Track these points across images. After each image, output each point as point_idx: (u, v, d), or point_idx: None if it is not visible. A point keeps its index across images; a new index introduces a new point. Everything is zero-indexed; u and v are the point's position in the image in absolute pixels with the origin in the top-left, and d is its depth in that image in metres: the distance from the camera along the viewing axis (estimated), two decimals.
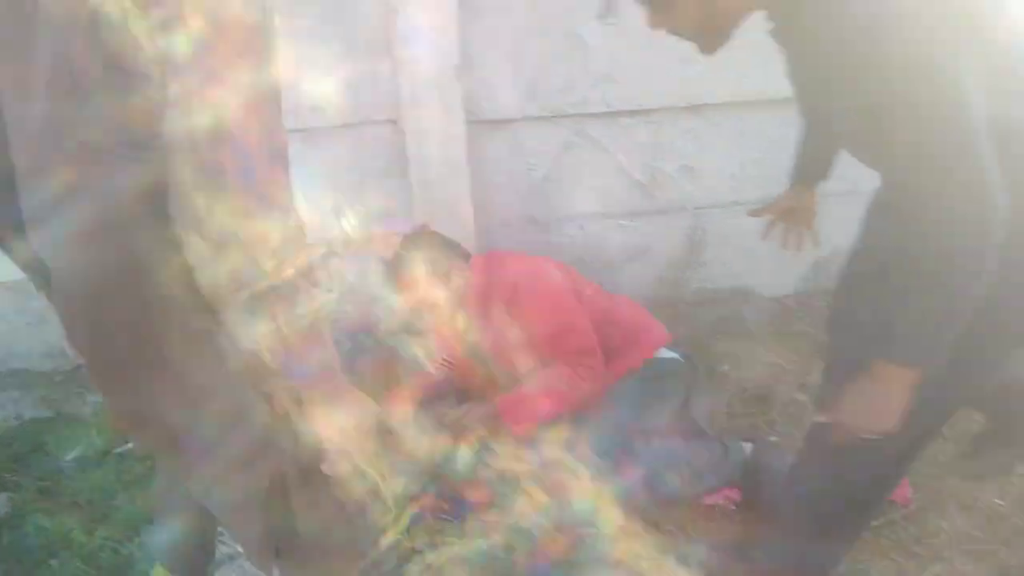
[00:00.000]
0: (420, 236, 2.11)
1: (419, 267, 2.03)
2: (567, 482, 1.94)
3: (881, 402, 1.22)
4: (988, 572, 1.84)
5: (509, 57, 2.15)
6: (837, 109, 1.19)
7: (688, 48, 1.25)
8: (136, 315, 0.91)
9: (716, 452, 2.03)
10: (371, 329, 2.26)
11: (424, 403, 2.11)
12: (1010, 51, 1.13)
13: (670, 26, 1.24)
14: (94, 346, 0.97)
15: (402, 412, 2.04)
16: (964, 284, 1.10)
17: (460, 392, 2.22)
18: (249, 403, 0.90)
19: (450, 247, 2.10)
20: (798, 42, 1.21)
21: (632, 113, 2.37)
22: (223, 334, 0.83)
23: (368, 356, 2.28)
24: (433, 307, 2.02)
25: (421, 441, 2.00)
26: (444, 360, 2.13)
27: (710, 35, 1.25)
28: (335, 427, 0.92)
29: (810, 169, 1.70)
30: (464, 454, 2.02)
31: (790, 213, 1.76)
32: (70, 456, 2.27)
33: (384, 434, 1.04)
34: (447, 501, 2.00)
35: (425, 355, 2.10)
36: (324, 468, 0.94)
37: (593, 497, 1.92)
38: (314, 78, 2.26)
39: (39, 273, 0.97)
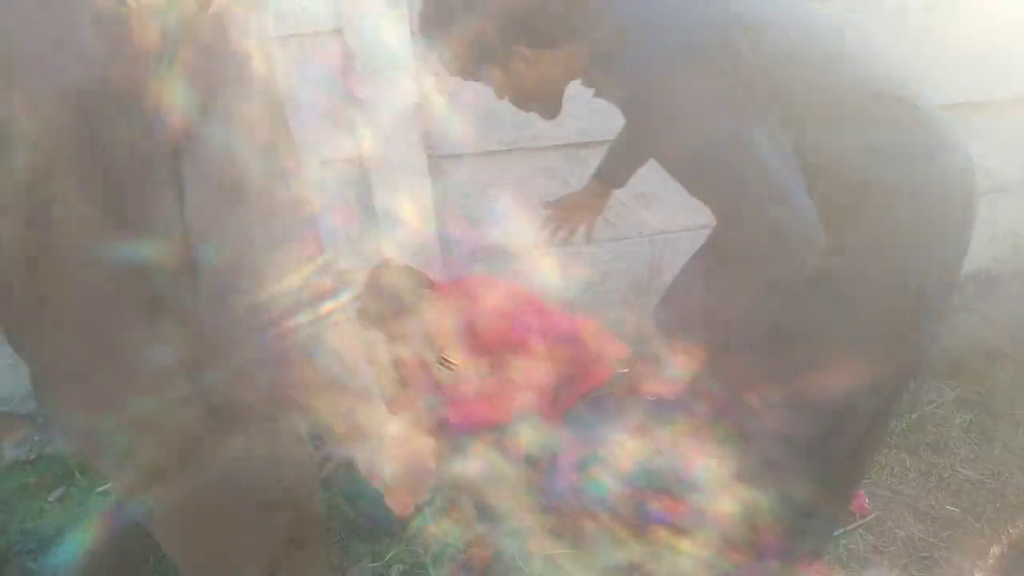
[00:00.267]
0: (387, 267, 2.18)
1: (391, 298, 2.09)
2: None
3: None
4: None
5: (467, 94, 2.23)
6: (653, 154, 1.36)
7: None
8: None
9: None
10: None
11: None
12: (812, 90, 1.25)
13: (511, 97, 1.42)
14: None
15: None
16: (769, 287, 1.26)
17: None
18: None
19: (416, 276, 2.16)
20: (612, 99, 1.37)
21: (587, 144, 2.44)
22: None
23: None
24: (408, 334, 2.08)
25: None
26: (445, 361, 2.19)
27: (543, 104, 1.44)
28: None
29: (615, 175, 1.87)
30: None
31: (579, 209, 1.88)
32: (52, 497, 2.31)
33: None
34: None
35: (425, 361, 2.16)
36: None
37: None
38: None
39: None
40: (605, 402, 2.16)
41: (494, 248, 2.63)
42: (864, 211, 1.29)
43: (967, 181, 1.35)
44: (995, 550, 1.96)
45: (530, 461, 2.08)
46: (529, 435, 2.05)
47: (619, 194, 2.56)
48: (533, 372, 2.07)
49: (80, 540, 1.92)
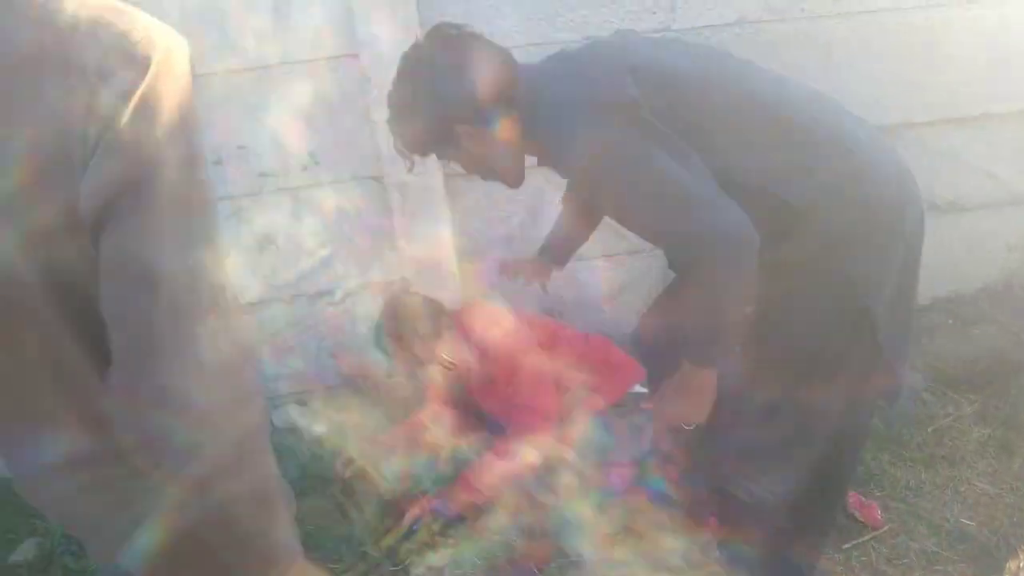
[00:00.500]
0: (403, 294, 2.24)
1: (406, 323, 2.14)
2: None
3: (694, 395, 1.49)
4: None
5: None
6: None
7: None
8: None
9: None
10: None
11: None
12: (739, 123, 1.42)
13: (473, 171, 1.63)
14: None
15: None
16: (731, 303, 1.36)
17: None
18: None
19: (433, 304, 2.23)
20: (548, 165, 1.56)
21: None
22: None
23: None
24: (424, 359, 2.14)
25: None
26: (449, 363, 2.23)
27: (504, 173, 1.63)
28: None
29: (556, 252, 2.05)
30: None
31: (530, 273, 2.05)
32: None
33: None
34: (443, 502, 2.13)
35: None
36: None
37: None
38: (302, 140, 2.43)
39: None
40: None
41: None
42: (796, 225, 1.41)
43: (895, 194, 1.45)
44: (1011, 564, 1.95)
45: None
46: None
47: None
48: (547, 399, 2.12)
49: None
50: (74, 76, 0.65)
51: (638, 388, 2.24)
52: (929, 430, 2.38)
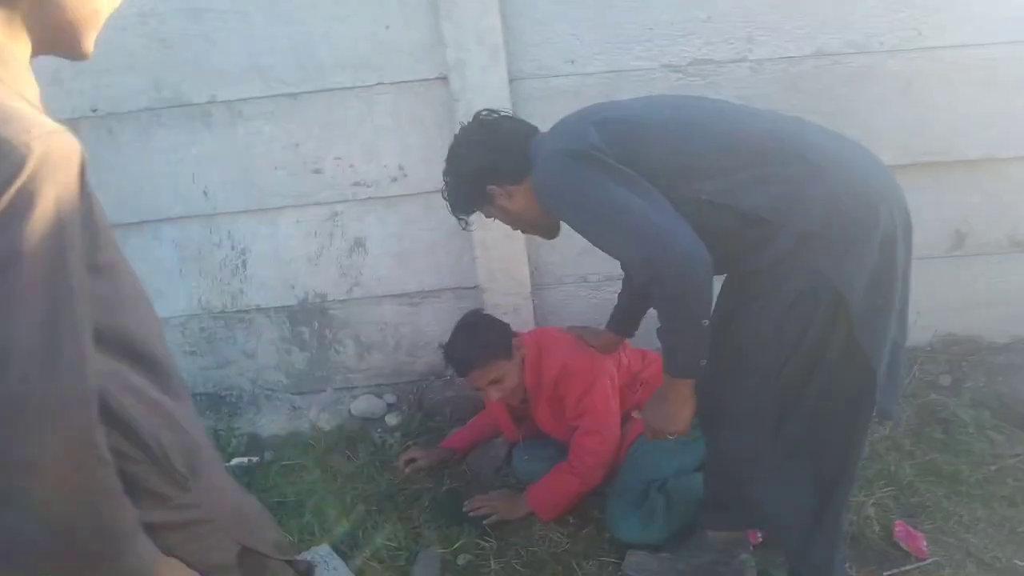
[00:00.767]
0: (479, 319, 2.36)
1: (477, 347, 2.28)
2: None
3: (670, 405, 1.67)
4: None
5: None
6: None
7: None
8: None
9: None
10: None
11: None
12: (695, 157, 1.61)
13: (512, 226, 1.93)
14: None
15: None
16: (688, 318, 1.53)
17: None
18: None
19: (504, 328, 2.33)
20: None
21: None
22: None
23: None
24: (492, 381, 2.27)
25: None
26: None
27: (539, 227, 1.89)
28: None
29: (626, 324, 2.23)
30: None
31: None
32: None
33: None
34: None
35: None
36: None
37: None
38: (393, 154, 2.66)
39: None
40: None
41: (582, 277, 2.83)
42: (769, 233, 1.55)
43: (863, 191, 1.55)
44: None
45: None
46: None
47: None
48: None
49: None
50: None
51: None
52: (992, 468, 2.35)
